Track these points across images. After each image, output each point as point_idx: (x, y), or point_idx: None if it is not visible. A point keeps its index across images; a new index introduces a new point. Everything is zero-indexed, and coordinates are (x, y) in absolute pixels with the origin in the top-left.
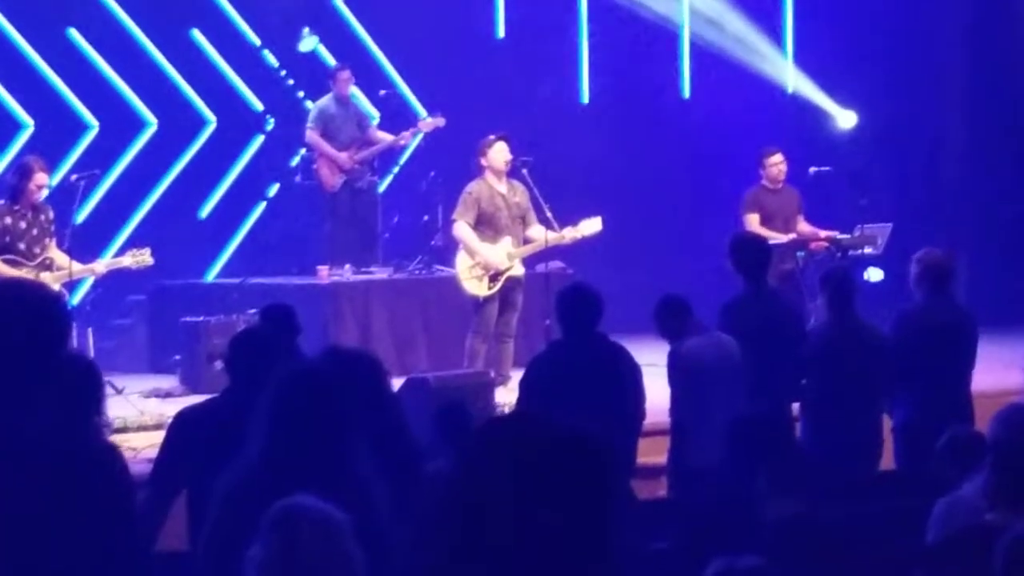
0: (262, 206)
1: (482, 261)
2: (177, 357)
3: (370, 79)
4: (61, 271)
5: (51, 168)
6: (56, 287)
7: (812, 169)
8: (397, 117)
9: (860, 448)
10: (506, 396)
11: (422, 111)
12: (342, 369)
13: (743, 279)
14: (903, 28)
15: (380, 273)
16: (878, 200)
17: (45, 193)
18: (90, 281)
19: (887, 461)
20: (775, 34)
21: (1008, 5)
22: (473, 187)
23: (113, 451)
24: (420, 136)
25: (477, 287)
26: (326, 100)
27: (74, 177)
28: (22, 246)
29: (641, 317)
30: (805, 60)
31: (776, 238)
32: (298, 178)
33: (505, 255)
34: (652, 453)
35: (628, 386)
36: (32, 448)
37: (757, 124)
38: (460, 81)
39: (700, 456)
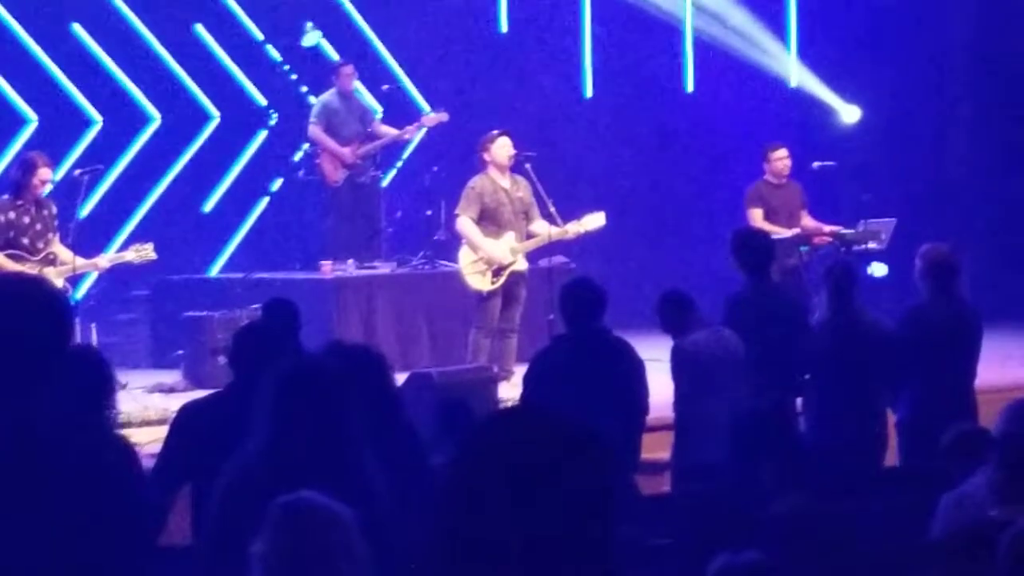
0: (265, 201)
1: (485, 256)
2: (180, 352)
3: (373, 74)
4: (64, 266)
5: (55, 163)
6: (59, 282)
7: (815, 164)
8: (400, 112)
9: (863, 443)
10: (509, 391)
11: (425, 106)
12: (345, 364)
13: (746, 274)
14: (907, 23)
15: (383, 268)
16: (882, 195)
17: (49, 188)
18: (93, 276)
19: (892, 456)
20: (778, 28)
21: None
22: (476, 182)
23: (125, 445)
24: (423, 131)
25: (480, 282)
26: (329, 95)
27: (78, 172)
28: (25, 241)
29: (644, 312)
30: (808, 54)
31: (779, 233)
32: (301, 173)
33: (508, 250)
34: (655, 448)
35: (631, 381)
36: (40, 444)
37: (760, 119)
38: (463, 76)
39: (703, 451)
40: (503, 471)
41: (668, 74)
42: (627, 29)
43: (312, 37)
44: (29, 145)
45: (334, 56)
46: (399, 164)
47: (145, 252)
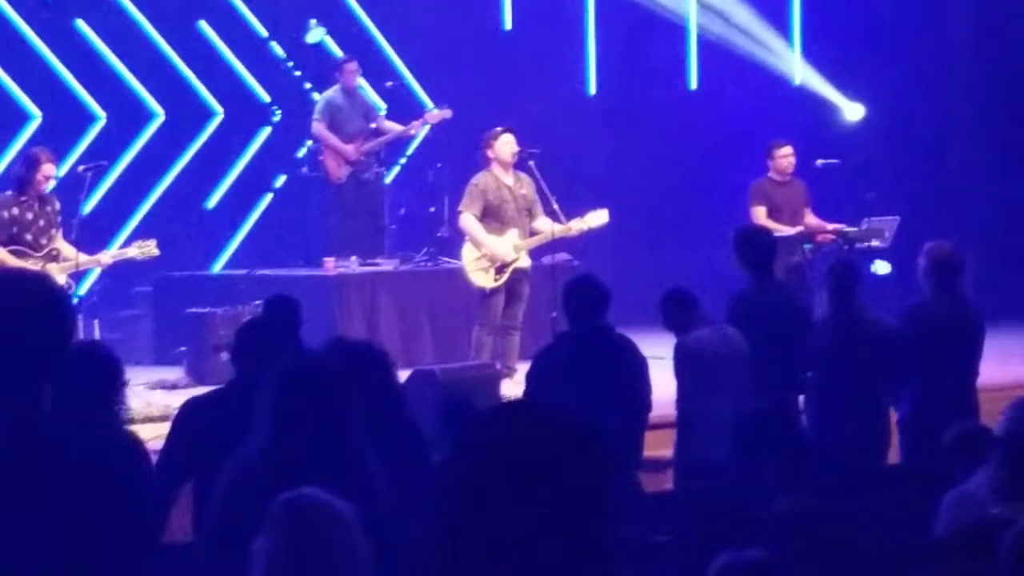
0: (268, 198)
1: (488, 253)
2: (183, 348)
3: (377, 71)
4: (67, 262)
5: (58, 159)
6: (62, 278)
7: (819, 162)
8: (404, 109)
9: (865, 441)
10: (512, 388)
11: (429, 103)
12: (348, 360)
13: (749, 272)
14: (911, 21)
15: (386, 265)
16: (885, 193)
17: (52, 184)
18: (96, 272)
19: (894, 454)
20: (782, 26)
21: None
22: (479, 179)
23: (134, 441)
24: (427, 128)
25: (483, 279)
26: (333, 92)
27: (81, 168)
28: (29, 237)
29: (647, 309)
30: (812, 52)
31: (783, 231)
32: (304, 170)
33: (511, 247)
34: (658, 446)
35: (634, 378)
36: (43, 441)
37: (764, 116)
38: (467, 73)
39: (706, 449)
40: (500, 467)
41: (672, 71)
42: (631, 26)
43: (316, 34)
44: (33, 141)
45: (338, 53)
46: (403, 161)
47: (148, 248)
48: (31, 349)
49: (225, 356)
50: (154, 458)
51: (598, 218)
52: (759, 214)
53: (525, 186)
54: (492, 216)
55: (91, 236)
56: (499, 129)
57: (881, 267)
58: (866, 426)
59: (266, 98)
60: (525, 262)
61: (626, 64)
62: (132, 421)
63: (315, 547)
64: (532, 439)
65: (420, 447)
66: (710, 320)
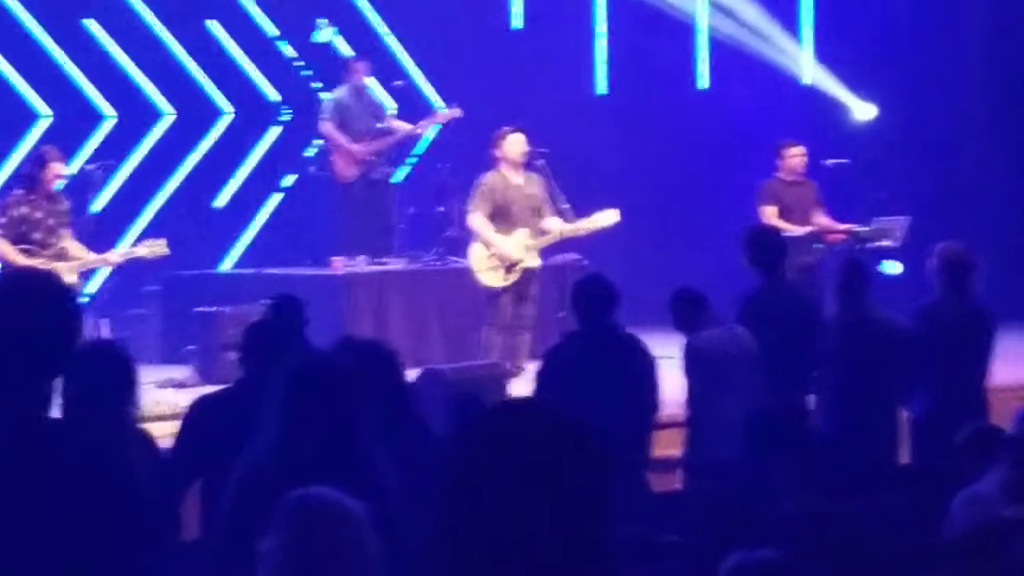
0: (277, 197)
1: (497, 252)
2: (192, 347)
3: (386, 70)
4: (76, 261)
5: (67, 158)
6: (71, 277)
7: (829, 161)
8: (413, 108)
9: (876, 441)
10: (521, 388)
11: (438, 102)
12: (357, 359)
13: (759, 271)
14: (922, 21)
15: (395, 264)
16: (896, 193)
17: (61, 183)
18: (105, 271)
19: (904, 454)
20: (792, 25)
21: None
22: (488, 178)
23: (147, 439)
24: (436, 127)
25: (492, 278)
26: (342, 91)
27: (90, 167)
28: (38, 236)
29: (656, 309)
30: (823, 52)
31: (793, 231)
32: (313, 169)
33: (520, 247)
34: (667, 446)
35: (643, 378)
36: (52, 440)
37: (774, 116)
38: (476, 72)
39: (715, 449)
40: (500, 466)
41: (682, 71)
42: (640, 25)
43: (325, 33)
44: (42, 140)
45: (347, 52)
46: (412, 160)
47: (157, 248)
48: (38, 348)
49: (233, 355)
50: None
51: (607, 218)
52: (769, 214)
53: (534, 186)
54: (501, 216)
55: (100, 235)
56: (508, 129)
57: (892, 267)
58: (877, 426)
59: (275, 97)
60: (534, 262)
61: (635, 63)
62: (141, 420)
63: (325, 545)
64: (531, 438)
65: (429, 446)
66: (719, 320)
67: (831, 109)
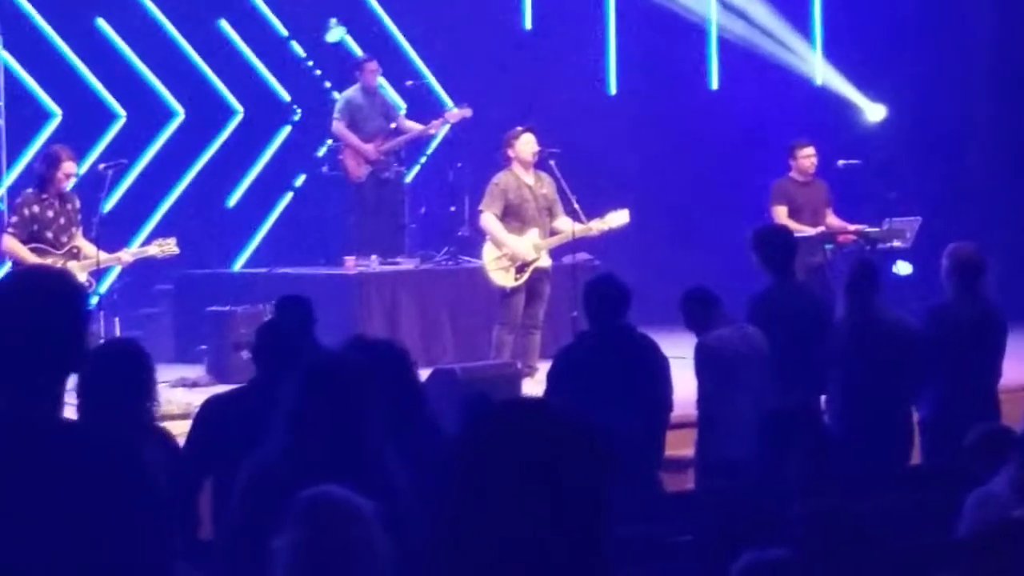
0: (289, 196)
1: (509, 252)
2: (203, 347)
3: (397, 70)
4: (88, 260)
5: (79, 157)
6: (83, 276)
7: (840, 162)
8: (424, 108)
9: (887, 441)
10: (533, 388)
11: (449, 102)
12: (368, 359)
13: (768, 271)
14: (931, 21)
15: (407, 264)
16: (907, 193)
17: (73, 182)
18: (117, 270)
19: (915, 455)
20: (803, 26)
21: None
22: (500, 178)
23: (165, 436)
24: (447, 127)
25: (504, 278)
26: (353, 91)
27: (102, 166)
28: (49, 235)
29: (668, 309)
30: (834, 52)
31: (804, 231)
32: (325, 168)
33: (532, 246)
34: (680, 446)
35: (656, 378)
36: (62, 439)
37: (785, 116)
38: (487, 72)
39: (727, 448)
40: (499, 465)
41: (693, 71)
42: (651, 26)
43: (336, 33)
44: (53, 139)
45: (358, 52)
46: (423, 160)
47: (168, 247)
48: (50, 346)
49: (245, 354)
50: None
51: (618, 218)
52: (780, 214)
53: (546, 185)
54: (512, 215)
55: (111, 234)
56: (520, 128)
57: (903, 268)
58: (887, 426)
59: (286, 97)
60: (545, 261)
61: (647, 64)
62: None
63: (335, 544)
64: (532, 437)
65: (440, 446)
66: (731, 319)
67: (842, 110)
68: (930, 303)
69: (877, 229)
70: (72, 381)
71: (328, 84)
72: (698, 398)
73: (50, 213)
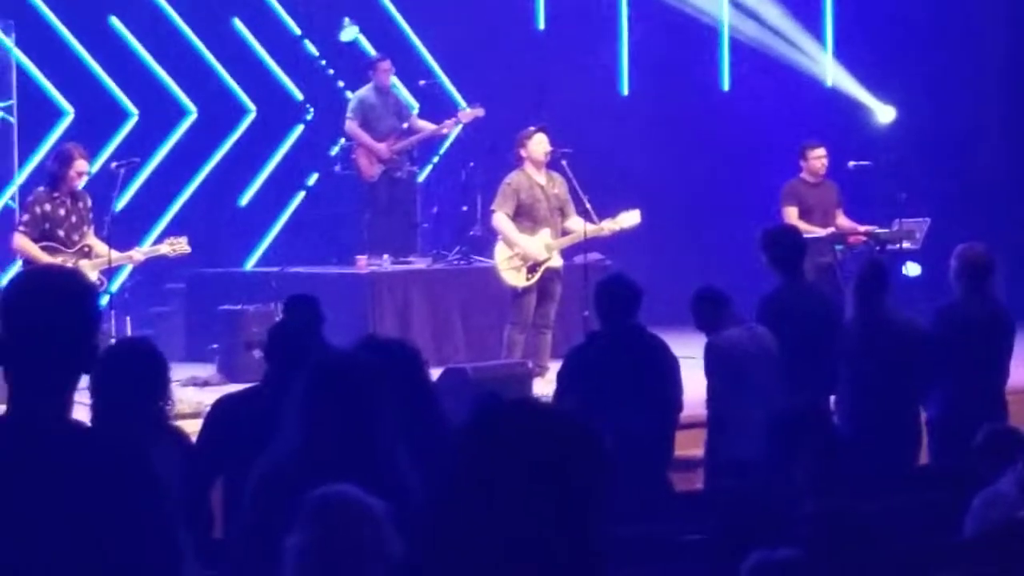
0: (301, 195)
1: (521, 252)
2: (215, 346)
3: (410, 69)
4: (99, 259)
5: (91, 156)
6: (94, 275)
7: (851, 163)
8: (436, 107)
9: (896, 441)
10: (544, 387)
11: (461, 102)
12: (379, 358)
13: (778, 272)
14: (942, 23)
15: (419, 263)
16: (917, 195)
17: (84, 180)
18: (128, 269)
19: (923, 455)
20: (815, 27)
21: None
22: (512, 178)
23: (179, 435)
24: (460, 127)
25: (515, 278)
26: (366, 90)
27: (114, 165)
28: (61, 233)
29: (679, 309)
30: (844, 54)
31: (814, 232)
32: (337, 168)
33: (543, 246)
34: (689, 445)
35: (666, 378)
36: (71, 439)
37: (796, 117)
38: (500, 72)
39: (737, 448)
40: (498, 464)
41: (704, 72)
42: (664, 27)
43: (350, 32)
44: (66, 137)
45: (371, 51)
46: (435, 159)
47: (179, 245)
48: (61, 345)
49: (257, 353)
50: None
51: (630, 218)
52: (790, 215)
53: (558, 185)
54: (524, 215)
55: (123, 233)
56: (532, 128)
57: (912, 269)
58: (896, 427)
59: (299, 96)
60: (557, 261)
61: (659, 65)
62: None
63: (346, 543)
64: (534, 437)
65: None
66: (741, 320)
67: (852, 111)
68: (939, 304)
69: (887, 230)
70: (85, 381)
71: (341, 83)
72: (708, 398)
73: (62, 211)
